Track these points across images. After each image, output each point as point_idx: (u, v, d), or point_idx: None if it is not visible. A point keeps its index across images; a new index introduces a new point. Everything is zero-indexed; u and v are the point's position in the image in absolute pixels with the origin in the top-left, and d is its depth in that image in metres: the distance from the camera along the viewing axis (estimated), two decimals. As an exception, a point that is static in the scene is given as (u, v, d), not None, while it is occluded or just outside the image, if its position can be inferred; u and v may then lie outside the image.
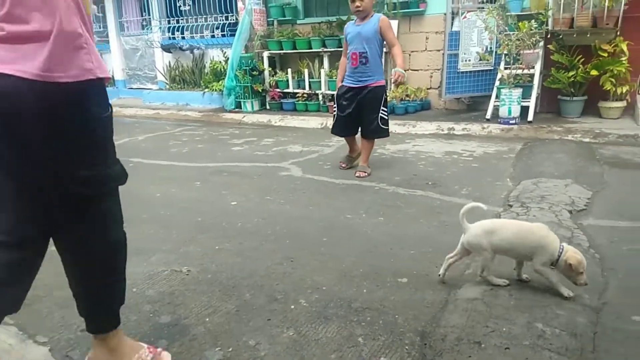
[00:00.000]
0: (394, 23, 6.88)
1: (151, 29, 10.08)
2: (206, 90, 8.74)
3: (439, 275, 2.31)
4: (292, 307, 2.15)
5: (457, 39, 6.43)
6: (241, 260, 2.63)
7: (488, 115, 6.15)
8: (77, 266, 1.56)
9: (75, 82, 1.28)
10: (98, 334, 1.66)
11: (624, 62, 5.73)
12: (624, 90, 5.81)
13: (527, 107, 5.89)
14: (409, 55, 7.46)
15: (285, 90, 8.04)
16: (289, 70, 7.94)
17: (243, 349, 1.87)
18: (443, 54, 6.72)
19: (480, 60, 6.54)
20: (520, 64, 5.99)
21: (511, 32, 5.99)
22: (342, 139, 4.64)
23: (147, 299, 2.26)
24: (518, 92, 5.76)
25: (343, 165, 4.46)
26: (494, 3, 6.18)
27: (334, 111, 4.38)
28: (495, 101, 6.10)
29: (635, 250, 2.54)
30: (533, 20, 5.88)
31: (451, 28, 6.46)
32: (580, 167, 4.17)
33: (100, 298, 1.62)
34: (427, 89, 7.40)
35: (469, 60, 6.53)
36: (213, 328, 2.01)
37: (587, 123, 5.77)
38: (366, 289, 2.28)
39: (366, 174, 4.16)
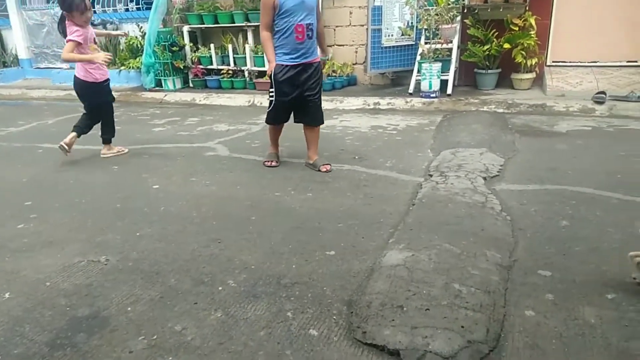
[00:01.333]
0: (317, -3, 6.81)
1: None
2: (122, 68, 8.20)
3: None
4: (220, 288, 2.11)
5: (380, 13, 6.50)
6: (164, 245, 2.54)
7: (411, 90, 6.32)
8: None
9: None
10: None
11: (533, 35, 6.10)
12: (534, 63, 6.19)
13: (447, 81, 6.12)
14: (334, 30, 7.45)
15: (209, 67, 7.75)
16: (212, 45, 7.65)
17: (168, 335, 1.81)
18: (367, 29, 6.77)
19: (403, 35, 6.67)
20: (439, 38, 6.19)
21: (430, 7, 6.15)
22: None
23: (63, 292, 2.13)
24: (438, 66, 5.96)
25: (274, 163, 3.83)
26: (413, -22, 6.29)
27: (271, 97, 3.62)
28: (417, 75, 6.28)
29: (541, 211, 2.76)
30: (450, -5, 6.08)
31: (374, 2, 6.50)
32: (494, 136, 4.43)
33: None
34: (353, 64, 7.45)
35: (392, 36, 6.64)
36: (136, 317, 1.93)
37: (501, 94, 6.11)
38: (295, 264, 2.29)
39: (330, 165, 3.72)
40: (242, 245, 2.52)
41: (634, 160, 3.56)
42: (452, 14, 6.04)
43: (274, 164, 3.83)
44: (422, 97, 6.05)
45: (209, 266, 2.31)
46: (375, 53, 6.58)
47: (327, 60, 3.61)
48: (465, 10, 6.33)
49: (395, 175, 3.51)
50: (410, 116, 5.55)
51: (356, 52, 7.48)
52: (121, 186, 3.51)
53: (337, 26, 7.46)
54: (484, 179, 3.30)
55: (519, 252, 2.31)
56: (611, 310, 1.83)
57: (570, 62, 6.51)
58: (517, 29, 6.15)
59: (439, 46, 6.13)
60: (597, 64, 6.37)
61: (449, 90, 6.10)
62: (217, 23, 7.61)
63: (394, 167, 3.70)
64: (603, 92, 5.43)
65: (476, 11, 6.24)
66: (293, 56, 3.47)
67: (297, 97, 3.59)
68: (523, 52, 6.09)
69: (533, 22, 6.09)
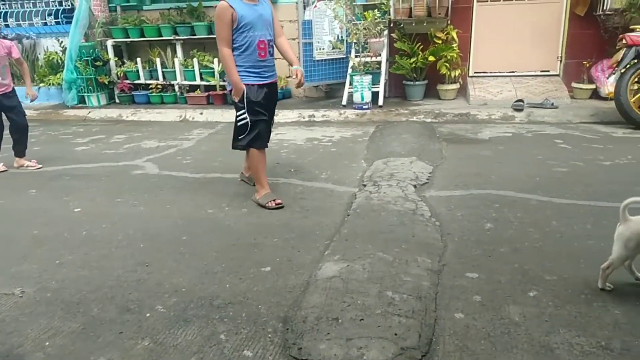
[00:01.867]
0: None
1: (-36, 14, 8.54)
2: (41, 85, 7.70)
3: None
4: (148, 315, 2.00)
5: (310, 27, 6.59)
6: (87, 273, 2.37)
7: (344, 102, 6.44)
8: None
9: None
10: None
11: (455, 48, 6.44)
12: (457, 74, 6.53)
13: (378, 93, 6.30)
14: (266, 43, 7.46)
15: (137, 82, 7.47)
16: (139, 60, 7.39)
17: (90, 369, 1.69)
18: (298, 42, 6.83)
19: (334, 48, 6.80)
20: (369, 51, 6.37)
21: (358, 22, 6.33)
22: (205, 131, 4.25)
23: (-33, 332, 1.92)
24: (368, 78, 6.13)
25: (279, 201, 3.20)
26: (341, -7, 6.45)
27: (243, 119, 3.16)
28: (349, 88, 6.41)
29: (468, 215, 2.88)
30: (376, 10, 6.28)
31: (304, 17, 6.59)
32: (423, 145, 4.59)
33: None
34: (287, 77, 7.48)
35: (323, 49, 6.74)
36: (55, 352, 1.78)
37: (429, 105, 6.37)
38: (229, 284, 2.22)
39: None
40: (172, 267, 2.41)
41: (550, 164, 3.83)
42: (379, 28, 6.24)
43: (278, 201, 3.18)
44: (355, 108, 6.18)
45: (136, 292, 2.18)
46: (307, 66, 6.65)
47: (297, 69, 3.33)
48: (391, 25, 6.57)
49: (331, 187, 3.53)
50: (345, 128, 5.64)
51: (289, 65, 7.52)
52: (39, 211, 3.27)
53: (268, 40, 7.46)
54: (415, 186, 3.40)
55: (448, 256, 2.39)
56: (533, 307, 1.93)
57: (490, 72, 6.93)
58: (440, 42, 6.46)
59: (368, 59, 6.31)
60: (515, 74, 6.82)
61: (380, 102, 6.28)
62: (144, 37, 7.37)
63: (329, 178, 3.73)
64: (521, 100, 5.82)
65: (402, 25, 6.50)
66: (258, 75, 3.15)
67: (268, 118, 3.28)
68: (447, 64, 6.41)
69: (455, 36, 6.43)
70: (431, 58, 6.32)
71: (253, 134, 3.18)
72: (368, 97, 6.13)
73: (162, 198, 3.45)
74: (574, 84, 6.29)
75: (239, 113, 3.19)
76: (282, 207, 3.15)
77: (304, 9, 6.63)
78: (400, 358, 1.63)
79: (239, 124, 3.21)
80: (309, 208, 3.14)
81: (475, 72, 6.97)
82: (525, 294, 2.03)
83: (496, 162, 3.94)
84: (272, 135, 5.44)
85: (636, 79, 4.84)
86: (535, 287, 2.07)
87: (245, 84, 3.11)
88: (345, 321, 1.83)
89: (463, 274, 2.21)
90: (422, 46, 6.49)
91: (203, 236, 2.77)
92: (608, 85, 5.78)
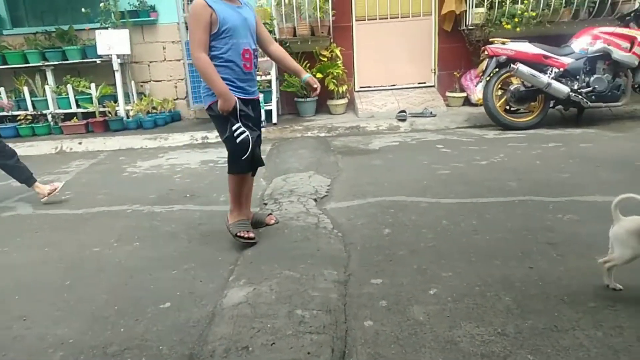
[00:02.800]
0: (125, 33, 6.46)
1: None
2: None
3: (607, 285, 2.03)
4: (27, 377, 1.73)
5: (195, 48, 6.43)
6: (-55, 339, 2.00)
7: (237, 121, 6.36)
8: None
9: None
10: None
11: (340, 65, 6.72)
12: (344, 89, 6.81)
13: (271, 111, 6.32)
14: (148, 65, 7.12)
15: (1, 114, 6.67)
16: (2, 89, 6.61)
17: None
18: (183, 63, 6.63)
19: (221, 68, 6.70)
20: (258, 71, 6.37)
21: (244, 41, 6.32)
22: (85, 162, 3.87)
23: None
24: (260, 97, 6.12)
25: (252, 234, 2.74)
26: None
27: (241, 133, 2.59)
28: (241, 107, 6.35)
29: (367, 223, 2.96)
30: (262, 30, 6.33)
31: (186, 37, 6.40)
32: (319, 159, 4.68)
33: None
34: (174, 99, 7.20)
35: (211, 69, 6.62)
36: None
37: (321, 120, 6.54)
38: (124, 327, 2.02)
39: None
40: (55, 317, 2.13)
41: (434, 167, 4.11)
42: (266, 47, 6.28)
43: (251, 234, 2.73)
44: (248, 127, 6.11)
45: (13, 352, 1.89)
46: (196, 87, 6.47)
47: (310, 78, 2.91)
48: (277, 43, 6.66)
49: (230, 209, 3.42)
50: (240, 147, 5.53)
51: (176, 86, 7.27)
52: None
53: (151, 62, 7.15)
54: (315, 200, 3.43)
55: (353, 266, 2.42)
56: (434, 304, 2.02)
57: (374, 86, 7.34)
58: (326, 59, 6.70)
59: (258, 78, 6.30)
60: (396, 86, 7.30)
61: (275, 119, 6.31)
62: (7, 64, 6.63)
63: (228, 200, 3.60)
64: (404, 111, 6.22)
65: (288, 44, 6.61)
66: (241, 90, 2.61)
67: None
68: (334, 80, 6.65)
69: (339, 53, 6.72)
70: (319, 75, 6.51)
71: (243, 155, 2.62)
72: (262, 115, 6.11)
73: (38, 241, 3.07)
74: (448, 93, 6.89)
75: (235, 128, 2.58)
76: (253, 240, 2.72)
77: (187, 29, 6.45)
78: (315, 377, 1.59)
79: (238, 139, 2.58)
80: (209, 234, 3.00)
81: (360, 87, 7.33)
82: (426, 292, 2.12)
83: (387, 170, 4.13)
84: (163, 161, 5.20)
85: (499, 85, 5.44)
86: (435, 284, 2.18)
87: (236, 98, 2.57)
88: (256, 348, 1.75)
89: (368, 281, 2.25)
90: (309, 64, 6.66)
91: (90, 278, 2.50)
92: (477, 93, 6.43)
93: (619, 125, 5.40)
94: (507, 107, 5.52)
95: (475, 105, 6.55)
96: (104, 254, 2.80)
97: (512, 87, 5.39)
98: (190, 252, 2.75)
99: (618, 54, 5.15)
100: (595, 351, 1.65)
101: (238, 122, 2.60)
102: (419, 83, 7.30)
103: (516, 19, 6.10)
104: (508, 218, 2.89)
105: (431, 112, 6.21)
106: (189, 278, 2.43)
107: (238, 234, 2.71)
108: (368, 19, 7.08)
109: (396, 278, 2.26)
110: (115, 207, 3.62)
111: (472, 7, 6.28)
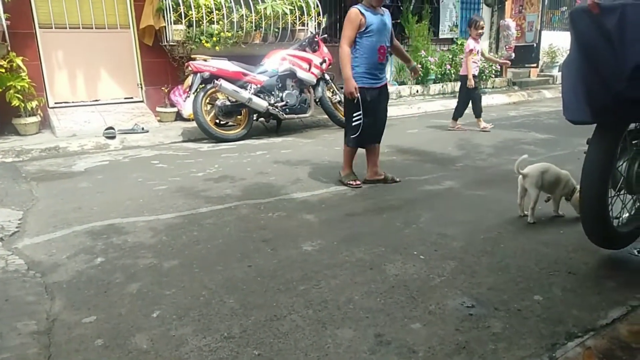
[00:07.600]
0: None
1: None
2: None
3: (522, 216, 2.95)
4: None
5: None
6: None
7: None
8: None
9: None
10: None
11: (24, 77, 5.69)
12: (34, 105, 5.81)
13: None
14: None
15: None
16: None
17: None
18: None
19: None
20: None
21: None
22: None
23: None
24: None
25: (359, 182, 3.79)
26: None
27: (357, 120, 3.62)
28: None
29: (74, 255, 2.56)
30: None
31: None
32: (5, 189, 3.83)
33: None
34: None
35: None
36: None
37: (7, 142, 5.40)
38: None
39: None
40: None
41: (151, 184, 3.92)
42: None
43: (358, 182, 3.76)
44: None
45: None
46: None
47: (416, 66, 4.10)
48: None
49: None
50: None
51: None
52: None
53: None
54: (1, 239, 2.77)
55: (58, 308, 2.04)
56: (158, 327, 1.88)
57: (73, 102, 6.53)
58: (4, 70, 5.57)
59: None
60: (100, 102, 6.68)
61: None
62: None
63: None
64: (112, 128, 5.74)
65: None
66: (374, 78, 3.59)
67: (379, 118, 3.75)
68: (19, 95, 5.60)
69: (21, 63, 5.70)
70: (-4, 89, 5.37)
71: (359, 135, 3.64)
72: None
73: None
74: (158, 109, 6.74)
75: (355, 114, 3.60)
76: (360, 187, 3.70)
77: None
78: None
79: (353, 123, 3.64)
80: None
81: (56, 103, 6.42)
82: (149, 317, 1.96)
83: (97, 193, 3.71)
84: None
85: (207, 100, 5.63)
86: (158, 306, 2.04)
87: (361, 87, 3.52)
88: None
89: (79, 321, 1.93)
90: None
91: None
92: (187, 108, 6.48)
93: (309, 133, 6.37)
94: (217, 121, 5.77)
95: (187, 120, 6.59)
96: None
97: (218, 102, 5.66)
98: None
99: (301, 74, 6.06)
100: (309, 328, 1.85)
101: (360, 110, 3.58)
102: (126, 98, 6.88)
103: (214, 39, 6.44)
104: (226, 223, 2.99)
105: (142, 128, 5.93)
106: None
107: (349, 183, 3.73)
108: (56, 27, 6.23)
109: (113, 310, 2.02)
110: None
111: (172, 24, 6.31)
